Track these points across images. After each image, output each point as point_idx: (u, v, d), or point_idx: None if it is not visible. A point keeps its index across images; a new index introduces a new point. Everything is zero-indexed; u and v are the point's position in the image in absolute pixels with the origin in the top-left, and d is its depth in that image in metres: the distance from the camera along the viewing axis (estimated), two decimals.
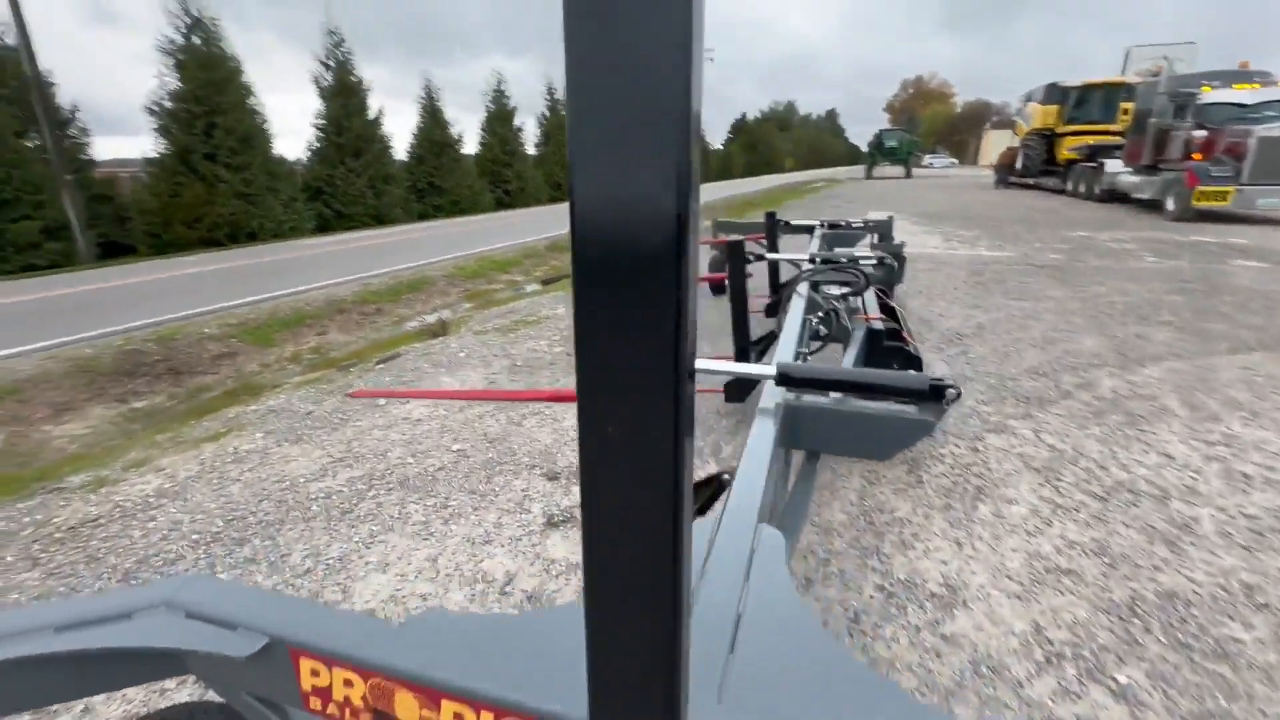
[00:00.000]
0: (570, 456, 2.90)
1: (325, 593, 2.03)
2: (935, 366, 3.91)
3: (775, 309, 4.25)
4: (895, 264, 3.31)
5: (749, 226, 5.78)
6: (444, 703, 0.68)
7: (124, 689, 0.85)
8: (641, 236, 0.33)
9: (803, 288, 2.65)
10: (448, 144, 22.12)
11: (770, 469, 1.19)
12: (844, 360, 2.37)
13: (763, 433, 1.35)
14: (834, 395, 1.53)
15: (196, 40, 14.91)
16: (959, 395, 1.32)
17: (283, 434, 3.32)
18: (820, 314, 2.52)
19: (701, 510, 2.02)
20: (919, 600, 1.88)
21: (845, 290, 2.76)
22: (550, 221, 15.62)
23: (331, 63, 18.49)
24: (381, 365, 4.67)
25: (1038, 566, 2.03)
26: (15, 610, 0.82)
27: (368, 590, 2.03)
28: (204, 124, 14.83)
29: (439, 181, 21.76)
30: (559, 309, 6.03)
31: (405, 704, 0.71)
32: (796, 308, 2.39)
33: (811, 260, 3.14)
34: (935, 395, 1.32)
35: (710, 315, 5.50)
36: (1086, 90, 18.47)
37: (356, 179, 18.61)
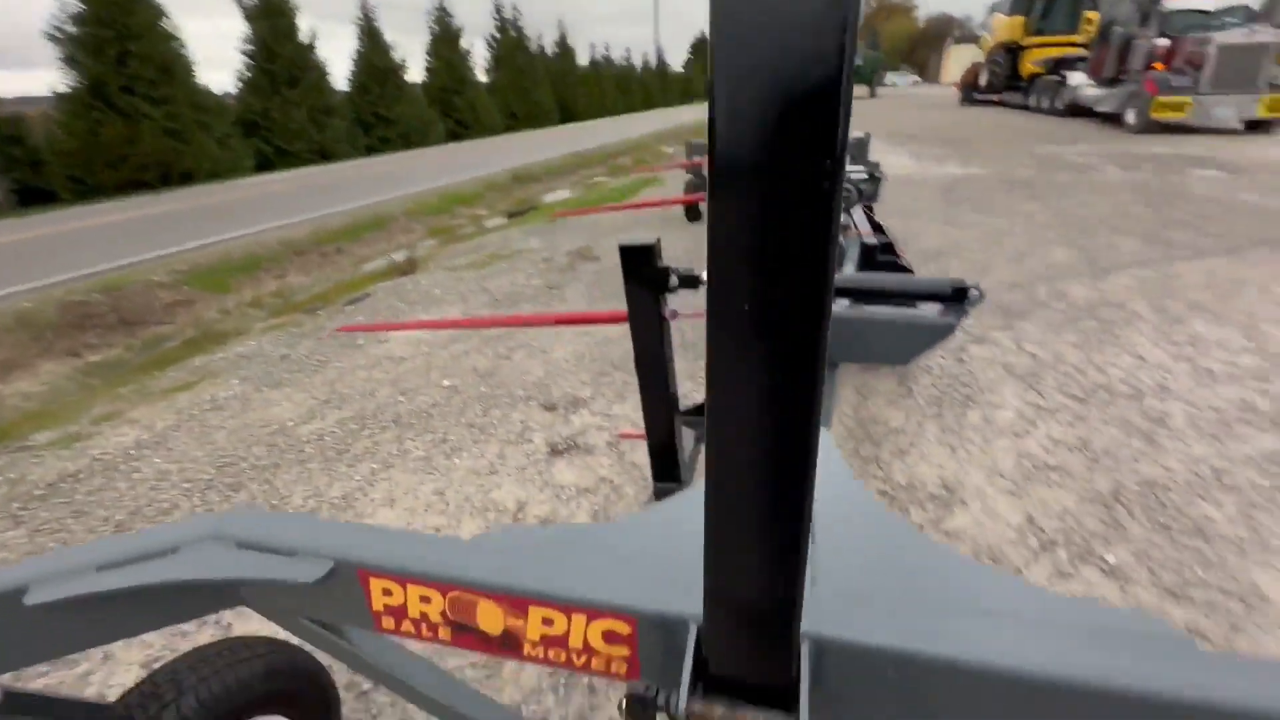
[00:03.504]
0: (564, 387, 2.87)
1: None
2: None
3: None
4: (880, 179, 3.25)
5: None
6: (531, 609, 0.67)
7: (179, 623, 0.81)
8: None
9: None
10: (390, 70, 20.56)
11: None
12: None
13: None
14: (847, 304, 1.52)
15: None
16: (982, 296, 1.32)
17: (260, 380, 3.19)
18: None
19: None
20: None
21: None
22: (509, 153, 14.90)
23: None
24: (351, 306, 4.49)
25: (1026, 463, 2.13)
26: (55, 553, 0.77)
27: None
28: (116, 52, 13.38)
29: (384, 112, 20.38)
30: (531, 242, 5.84)
31: (489, 614, 0.69)
32: None
33: None
34: (958, 297, 1.31)
35: (673, 240, 5.42)
36: None
37: (295, 111, 17.26)
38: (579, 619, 0.66)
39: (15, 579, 0.72)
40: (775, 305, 0.37)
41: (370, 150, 19.65)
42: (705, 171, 2.41)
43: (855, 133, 5.23)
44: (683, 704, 0.55)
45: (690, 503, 0.84)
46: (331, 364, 3.29)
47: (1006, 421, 2.40)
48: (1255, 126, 10.38)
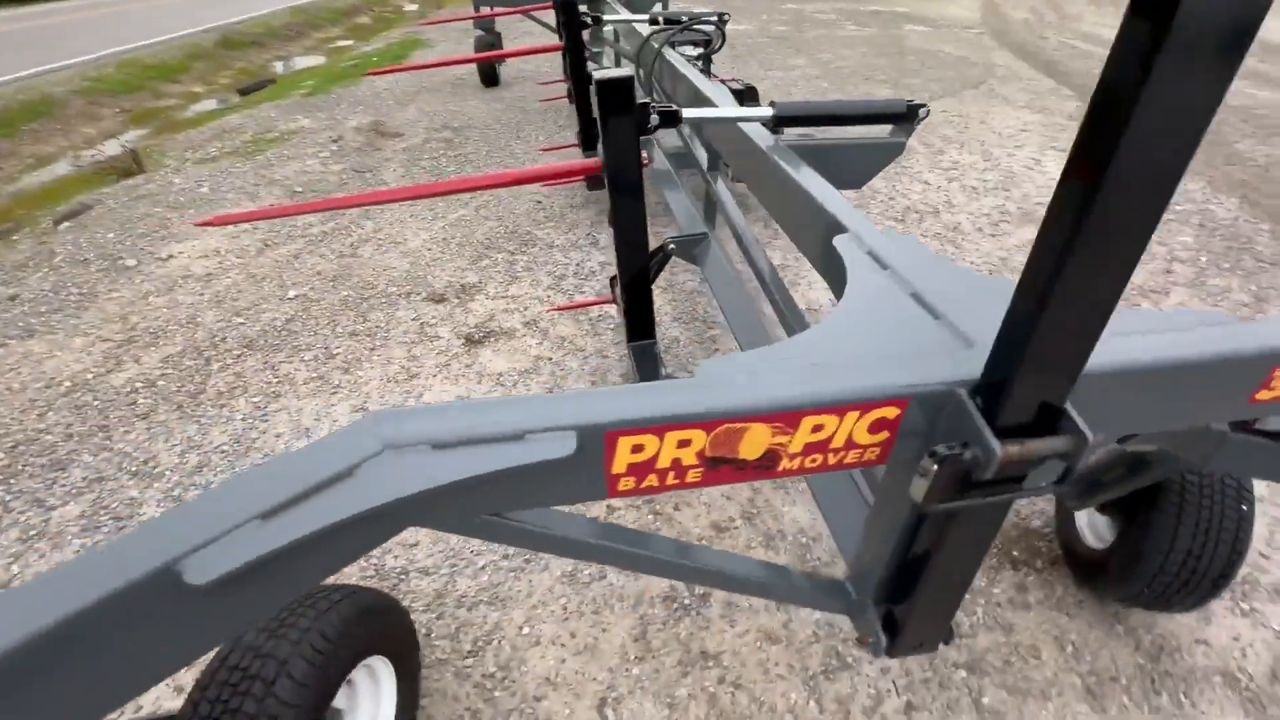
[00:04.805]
0: (444, 276, 2.58)
1: None
2: None
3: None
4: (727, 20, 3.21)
5: None
6: (804, 420, 0.68)
7: (356, 560, 0.66)
8: None
9: (669, 50, 2.50)
10: None
11: None
12: None
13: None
14: (799, 132, 1.59)
15: None
16: (929, 113, 1.48)
17: None
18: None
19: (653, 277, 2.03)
20: None
21: (700, 51, 2.70)
22: (192, 7, 11.41)
23: None
24: (68, 224, 3.33)
25: None
26: (184, 511, 0.54)
27: None
28: None
29: None
30: (301, 121, 4.77)
31: (754, 439, 0.69)
32: (687, 69, 2.27)
33: (654, 21, 2.92)
34: (911, 115, 1.46)
35: (477, 108, 4.92)
36: None
37: None
38: (851, 416, 0.69)
39: (159, 556, 0.50)
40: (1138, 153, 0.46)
41: None
42: (559, 14, 2.19)
43: None
44: (997, 448, 0.63)
45: (870, 302, 0.88)
46: (104, 296, 2.47)
47: None
48: None
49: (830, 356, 0.76)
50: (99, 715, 0.52)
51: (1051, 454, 0.66)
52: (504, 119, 4.62)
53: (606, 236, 2.89)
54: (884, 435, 0.72)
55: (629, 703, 1.19)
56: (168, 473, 1.67)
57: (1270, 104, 4.78)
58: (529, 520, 0.83)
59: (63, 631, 0.48)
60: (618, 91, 1.29)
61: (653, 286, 2.35)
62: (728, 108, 1.51)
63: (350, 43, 9.15)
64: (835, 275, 1.09)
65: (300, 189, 3.47)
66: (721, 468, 0.71)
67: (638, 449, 0.67)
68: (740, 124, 1.55)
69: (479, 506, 0.68)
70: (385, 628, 1.01)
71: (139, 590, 0.50)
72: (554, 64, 5.67)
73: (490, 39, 5.26)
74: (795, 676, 1.23)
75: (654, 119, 1.36)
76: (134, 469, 1.68)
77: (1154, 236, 2.73)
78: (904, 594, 0.92)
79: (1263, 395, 0.78)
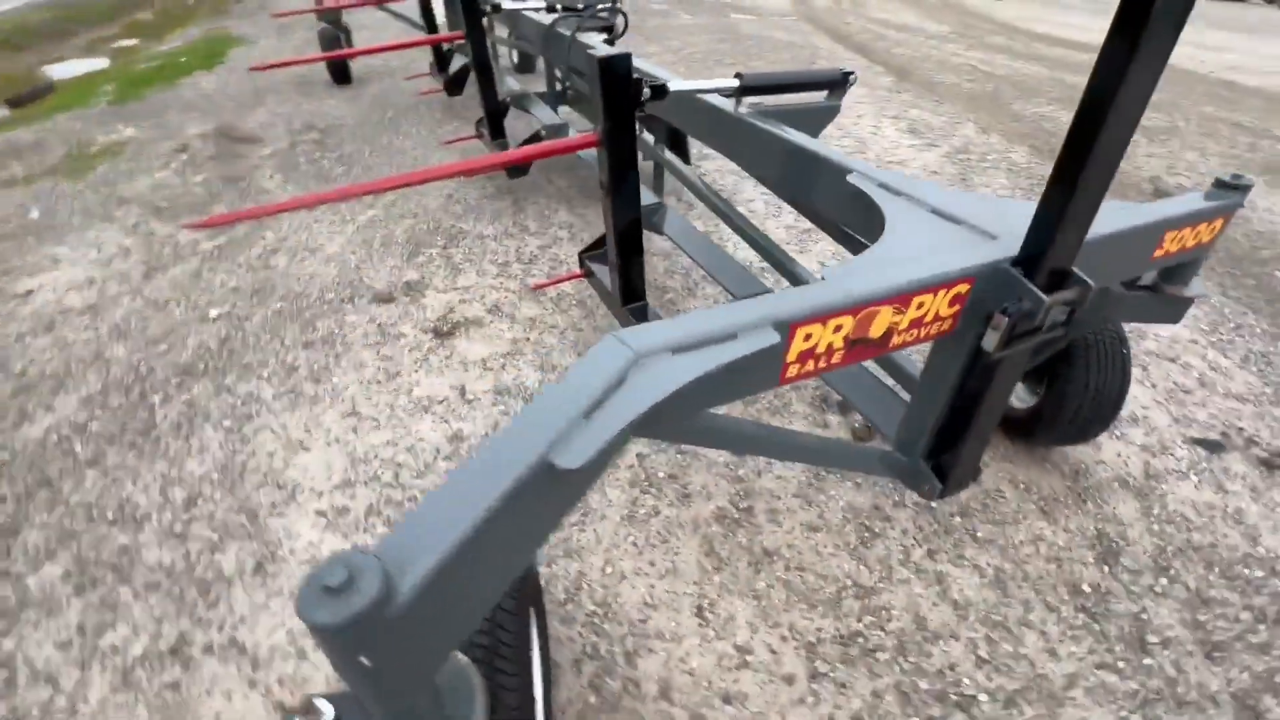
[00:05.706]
0: (381, 276, 2.48)
1: (259, 502, 1.54)
2: None
3: (459, 84, 3.95)
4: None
5: None
6: (914, 300, 0.89)
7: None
8: None
9: (583, 36, 2.60)
10: None
11: None
12: None
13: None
14: (750, 101, 1.82)
15: None
16: (856, 79, 1.77)
17: None
18: None
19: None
20: None
21: (605, 37, 2.82)
22: None
23: None
24: None
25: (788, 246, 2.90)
26: (534, 415, 0.63)
27: (318, 473, 1.63)
28: None
29: None
30: (125, 131, 4.14)
31: (881, 320, 0.88)
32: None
33: (551, 9, 2.98)
34: (843, 81, 1.74)
35: (337, 107, 4.64)
36: None
37: None
38: (941, 293, 0.91)
39: (535, 448, 0.59)
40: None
41: None
42: (462, 7, 2.34)
43: None
44: (1047, 298, 0.88)
45: (906, 219, 1.10)
46: None
47: (760, 209, 3.14)
48: None
49: (910, 256, 0.98)
50: (510, 579, 0.62)
51: (1072, 299, 0.93)
52: (373, 117, 4.39)
53: (536, 223, 2.94)
54: (956, 308, 0.95)
55: (721, 604, 1.35)
56: (154, 513, 1.50)
57: (1026, 72, 5.95)
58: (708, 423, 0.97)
59: (492, 513, 0.55)
60: (618, 68, 1.41)
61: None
62: (690, 81, 1.68)
63: (135, 42, 7.92)
64: (843, 211, 1.33)
65: (165, 204, 3.07)
66: (855, 348, 0.90)
67: (808, 337, 0.84)
68: (705, 95, 1.74)
69: (693, 405, 0.81)
70: (533, 577, 1.07)
71: (534, 475, 0.58)
72: (402, 58, 5.44)
73: (336, 33, 4.91)
74: (842, 552, 1.47)
75: (646, 93, 1.50)
76: (110, 517, 1.49)
77: (978, 180, 3.38)
78: (946, 447, 1.18)
79: (1158, 253, 1.13)
